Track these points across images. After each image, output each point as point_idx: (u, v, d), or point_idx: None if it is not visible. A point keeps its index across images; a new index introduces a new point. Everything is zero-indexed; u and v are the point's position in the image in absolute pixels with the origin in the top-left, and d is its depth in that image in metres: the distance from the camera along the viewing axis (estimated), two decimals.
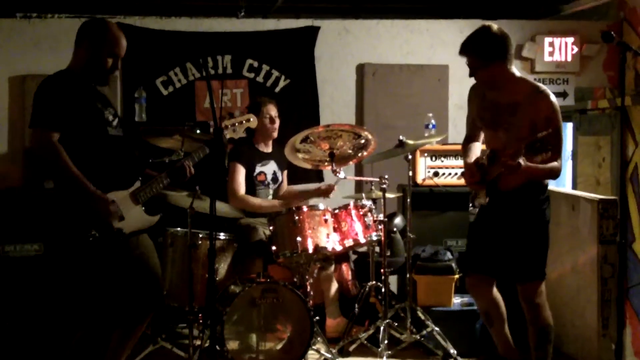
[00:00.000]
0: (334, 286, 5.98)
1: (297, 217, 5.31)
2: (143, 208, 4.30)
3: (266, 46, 7.02)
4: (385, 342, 5.39)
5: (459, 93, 7.11)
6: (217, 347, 4.87)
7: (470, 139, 4.92)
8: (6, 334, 5.65)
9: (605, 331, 5.20)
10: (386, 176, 5.61)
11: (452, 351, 5.43)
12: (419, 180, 6.42)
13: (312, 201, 5.99)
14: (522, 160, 4.26)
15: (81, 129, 4.13)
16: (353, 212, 5.48)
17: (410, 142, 5.64)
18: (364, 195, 5.75)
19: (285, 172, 6.28)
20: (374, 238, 5.50)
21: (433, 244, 6.04)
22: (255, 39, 7.01)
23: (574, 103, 7.34)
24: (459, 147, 6.42)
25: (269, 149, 6.18)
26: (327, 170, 6.15)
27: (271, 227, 5.44)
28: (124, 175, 4.27)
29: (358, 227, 5.45)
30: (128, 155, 4.35)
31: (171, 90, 6.92)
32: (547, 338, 4.64)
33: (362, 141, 5.76)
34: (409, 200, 5.73)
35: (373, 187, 5.80)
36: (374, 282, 5.76)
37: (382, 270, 5.62)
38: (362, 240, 5.46)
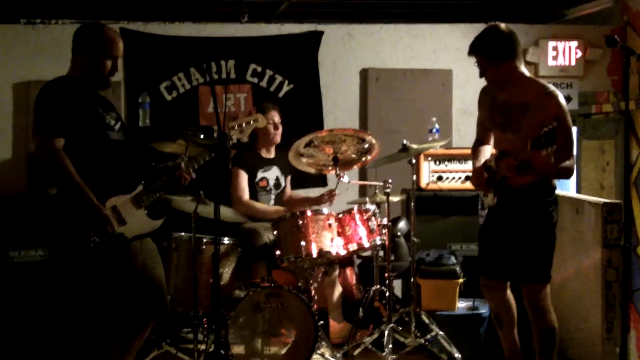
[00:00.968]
0: (338, 290, 5.98)
1: (301, 222, 5.31)
2: (146, 212, 4.30)
3: (270, 51, 7.03)
4: (390, 346, 5.39)
5: (463, 97, 7.13)
6: (222, 352, 4.87)
7: (480, 142, 4.91)
8: (11, 339, 5.65)
9: (609, 335, 5.19)
10: (390, 180, 5.61)
11: (457, 355, 5.43)
12: (423, 184, 6.42)
13: (316, 205, 5.99)
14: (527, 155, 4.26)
15: (81, 134, 4.13)
16: (357, 216, 5.48)
17: (414, 146, 5.65)
18: (367, 199, 5.76)
19: (289, 178, 6.28)
20: (378, 242, 5.50)
21: (437, 248, 6.04)
22: (259, 44, 7.01)
23: (578, 107, 7.34)
24: (463, 151, 6.48)
25: (271, 154, 6.18)
26: (330, 174, 6.15)
27: (275, 232, 5.44)
28: (126, 180, 4.27)
29: (362, 231, 5.46)
30: (130, 160, 4.35)
31: (175, 95, 6.92)
32: (552, 341, 4.63)
33: (366, 145, 5.77)
34: (412, 204, 5.72)
35: (377, 192, 5.80)
36: (378, 286, 5.76)
37: (386, 275, 5.61)
38: (366, 245, 5.47)
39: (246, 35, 7.00)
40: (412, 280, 5.72)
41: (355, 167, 6.12)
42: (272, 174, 6.14)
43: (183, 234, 5.42)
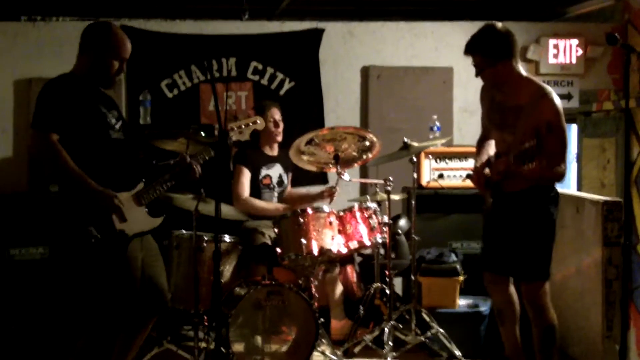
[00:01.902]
0: (339, 288, 5.98)
1: (302, 220, 5.31)
2: (146, 210, 4.31)
3: (271, 49, 7.02)
4: (390, 343, 5.40)
5: (464, 95, 7.13)
6: (223, 350, 4.87)
7: (485, 137, 4.91)
8: (12, 336, 5.66)
9: (609, 333, 5.19)
10: (391, 178, 5.61)
11: (457, 353, 5.43)
12: (424, 182, 6.42)
13: (317, 203, 5.99)
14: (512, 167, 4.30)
15: (82, 131, 4.14)
16: (358, 214, 5.48)
17: (415, 144, 5.65)
18: (368, 197, 5.76)
19: (290, 175, 6.29)
20: (379, 240, 5.51)
21: (438, 246, 6.05)
22: (260, 42, 7.01)
23: (579, 105, 7.34)
24: (464, 149, 6.48)
25: (274, 152, 6.19)
26: (331, 172, 6.16)
27: (276, 230, 5.45)
28: (126, 178, 4.28)
29: (363, 229, 5.46)
30: (130, 158, 4.36)
31: (176, 93, 6.92)
32: (552, 340, 4.64)
33: (367, 143, 5.77)
34: (413, 202, 5.73)
35: (378, 190, 5.81)
36: (378, 284, 5.77)
37: (386, 273, 5.62)
38: (367, 243, 5.47)
39: (247, 32, 7.00)
40: (412, 278, 5.72)
41: (356, 165, 6.12)
42: (275, 171, 6.14)
43: (184, 232, 5.42)
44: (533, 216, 4.59)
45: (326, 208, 5.46)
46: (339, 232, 5.42)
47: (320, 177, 6.92)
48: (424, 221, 6.14)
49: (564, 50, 7.20)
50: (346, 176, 5.70)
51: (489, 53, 4.58)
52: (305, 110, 7.05)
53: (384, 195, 5.63)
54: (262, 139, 6.11)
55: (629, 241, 4.35)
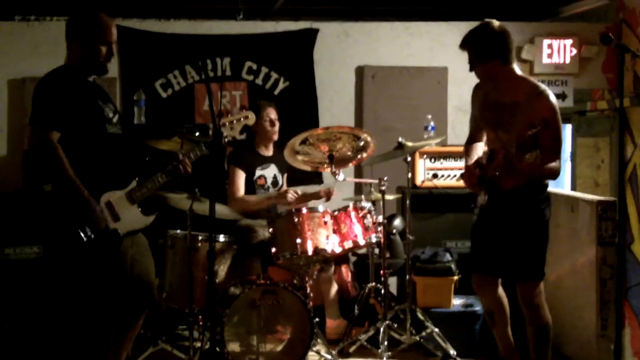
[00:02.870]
0: (334, 288, 5.99)
1: (296, 219, 5.31)
2: (139, 208, 4.30)
3: (265, 48, 7.02)
4: (385, 343, 5.40)
5: (459, 95, 7.13)
6: (217, 349, 4.87)
7: (472, 139, 4.91)
8: (6, 336, 5.64)
9: (604, 332, 5.20)
10: (385, 178, 5.61)
11: (452, 352, 5.44)
12: (418, 182, 6.42)
13: (312, 203, 6.00)
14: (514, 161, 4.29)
15: (80, 125, 4.12)
16: (352, 214, 5.48)
17: (410, 144, 5.65)
18: (363, 197, 5.76)
19: (285, 175, 6.29)
20: (374, 240, 5.51)
21: (432, 246, 6.05)
22: (254, 42, 7.01)
23: (573, 105, 7.35)
24: (458, 148, 6.46)
25: (269, 152, 6.19)
26: (326, 172, 6.16)
27: (271, 229, 5.45)
28: (121, 175, 4.27)
29: (357, 229, 5.46)
30: (125, 154, 4.35)
31: (170, 93, 6.92)
32: (546, 338, 4.64)
33: (362, 143, 5.77)
34: (408, 202, 5.73)
35: (372, 189, 5.81)
36: (373, 283, 5.77)
37: (381, 272, 5.62)
38: (362, 242, 5.47)
39: (242, 32, 7.00)
40: (407, 277, 5.73)
41: (351, 165, 6.12)
42: (270, 172, 6.14)
43: (178, 231, 5.42)
44: (527, 215, 4.59)
45: (321, 208, 5.47)
46: (334, 231, 5.41)
47: (315, 177, 6.92)
48: (418, 221, 6.14)
49: (558, 50, 7.21)
50: (341, 176, 5.69)
51: (480, 51, 4.59)
52: (300, 110, 7.05)
53: (379, 195, 5.63)
54: (257, 138, 6.11)
55: (623, 240, 4.37)
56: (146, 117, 6.68)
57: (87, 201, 4.05)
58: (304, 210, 5.37)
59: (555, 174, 4.54)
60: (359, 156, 5.86)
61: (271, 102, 6.31)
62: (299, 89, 7.08)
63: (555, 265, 5.47)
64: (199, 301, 5.20)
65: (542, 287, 4.64)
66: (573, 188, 7.82)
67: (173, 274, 5.36)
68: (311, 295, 5.40)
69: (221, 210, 5.44)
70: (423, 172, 6.48)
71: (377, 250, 5.81)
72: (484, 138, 4.88)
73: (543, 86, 4.56)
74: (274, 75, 7.04)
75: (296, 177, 6.49)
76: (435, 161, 6.50)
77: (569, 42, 7.21)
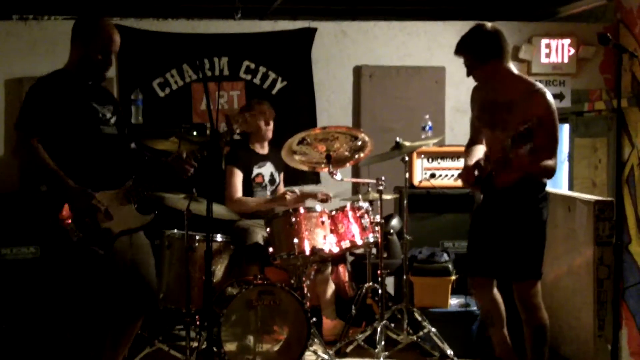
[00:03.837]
0: (331, 288, 5.99)
1: (293, 219, 5.31)
2: (135, 207, 4.29)
3: (263, 48, 7.02)
4: (382, 343, 5.40)
5: (456, 95, 7.13)
6: (214, 349, 4.87)
7: (473, 142, 4.90)
8: (3, 336, 5.64)
9: (601, 332, 5.20)
10: (383, 178, 5.60)
11: (449, 352, 5.44)
12: (416, 182, 6.43)
13: (309, 203, 5.99)
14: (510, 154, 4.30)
15: (70, 128, 4.13)
16: (350, 214, 5.48)
17: (407, 144, 5.65)
18: (360, 197, 5.76)
19: (282, 174, 6.29)
20: (371, 240, 5.50)
21: (430, 246, 6.05)
22: (252, 41, 7.01)
23: (571, 105, 7.35)
24: (456, 149, 6.48)
25: (265, 150, 6.19)
26: (323, 172, 6.16)
27: (268, 229, 5.44)
28: (115, 174, 4.26)
29: (355, 229, 5.45)
30: (121, 154, 4.34)
31: (168, 92, 6.92)
32: (543, 339, 4.64)
33: (359, 143, 5.77)
34: (405, 202, 5.73)
35: (370, 189, 5.80)
36: (370, 283, 5.77)
37: (378, 272, 5.62)
38: (359, 242, 5.46)
39: (239, 32, 6.99)
40: (404, 277, 5.73)
41: (348, 165, 6.12)
42: (267, 169, 6.14)
43: (176, 231, 5.42)
44: (524, 214, 4.59)
45: (318, 207, 5.46)
46: (331, 231, 5.41)
47: (312, 177, 6.93)
48: (415, 221, 6.14)
49: (556, 50, 7.21)
50: (338, 176, 5.70)
51: (478, 53, 4.59)
52: (298, 109, 7.05)
53: (376, 195, 5.63)
54: (252, 137, 6.10)
55: (621, 241, 4.37)
56: (144, 116, 6.68)
57: (75, 191, 4.04)
58: (301, 210, 5.37)
59: (550, 172, 4.54)
60: (357, 156, 5.86)
61: (265, 100, 6.31)
62: (297, 89, 7.08)
63: (553, 265, 5.47)
64: (196, 301, 5.19)
65: (539, 286, 4.63)
66: (570, 188, 7.83)
67: (170, 274, 5.36)
68: (308, 295, 5.40)
69: (219, 210, 5.44)
70: (420, 172, 6.48)
71: (374, 250, 5.80)
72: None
73: (539, 85, 4.56)
74: (272, 75, 7.04)
75: (293, 176, 6.50)
76: (432, 161, 6.51)
77: (566, 42, 7.21)
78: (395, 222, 6.09)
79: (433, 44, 7.22)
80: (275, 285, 5.17)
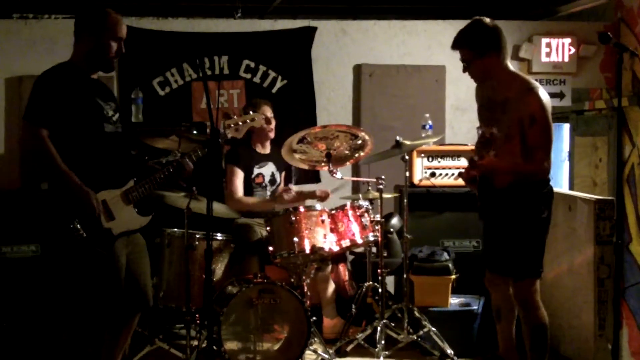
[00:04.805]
0: (331, 287, 5.98)
1: (294, 218, 5.31)
2: (135, 209, 4.29)
3: (263, 47, 7.01)
4: (383, 342, 5.40)
5: (456, 94, 7.13)
6: (215, 348, 4.87)
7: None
8: (4, 334, 5.64)
9: (601, 332, 5.20)
10: (383, 177, 5.60)
11: (449, 351, 5.44)
12: (416, 180, 6.42)
13: (309, 202, 5.99)
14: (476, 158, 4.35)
15: (76, 123, 4.12)
16: (350, 212, 5.48)
17: (407, 142, 5.65)
18: (360, 195, 5.75)
19: (284, 173, 6.29)
20: (371, 239, 5.50)
21: (430, 245, 6.04)
22: (252, 40, 7.00)
23: (571, 104, 7.34)
24: (456, 147, 6.49)
25: (266, 150, 6.18)
26: (323, 170, 6.16)
27: (268, 228, 5.44)
28: (117, 174, 4.26)
29: (355, 227, 5.45)
30: (123, 153, 4.34)
31: (168, 91, 6.91)
32: (543, 338, 4.63)
33: (359, 142, 5.77)
34: (405, 200, 5.73)
35: (370, 188, 5.80)
36: (370, 282, 5.76)
37: (379, 271, 5.61)
38: (359, 241, 5.46)
39: (239, 30, 6.99)
40: (404, 276, 5.72)
41: (349, 164, 6.12)
42: (268, 169, 6.14)
43: (176, 230, 5.41)
44: (521, 213, 4.58)
45: (318, 206, 5.46)
46: (331, 230, 5.41)
47: (312, 176, 6.93)
48: (416, 219, 6.13)
49: (556, 49, 7.20)
50: (338, 174, 5.70)
51: (476, 46, 4.60)
52: (298, 108, 7.04)
53: (376, 194, 5.62)
54: (254, 137, 6.10)
55: (621, 240, 4.36)
56: (144, 115, 6.67)
57: (80, 189, 4.04)
58: (301, 209, 5.37)
59: (542, 171, 4.53)
60: (357, 155, 5.86)
61: (267, 100, 6.31)
62: (297, 88, 7.07)
63: (553, 264, 5.47)
64: (196, 300, 5.19)
65: (538, 285, 4.63)
66: (571, 187, 7.83)
67: (170, 272, 5.36)
68: (308, 294, 5.40)
69: (219, 208, 5.44)
70: (421, 170, 6.47)
71: (374, 249, 5.80)
72: None
73: (535, 83, 4.56)
74: (272, 74, 7.03)
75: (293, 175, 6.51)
76: (433, 160, 6.50)
77: (567, 40, 7.20)
78: (395, 220, 6.09)
79: (433, 42, 7.21)
80: (276, 284, 5.17)
